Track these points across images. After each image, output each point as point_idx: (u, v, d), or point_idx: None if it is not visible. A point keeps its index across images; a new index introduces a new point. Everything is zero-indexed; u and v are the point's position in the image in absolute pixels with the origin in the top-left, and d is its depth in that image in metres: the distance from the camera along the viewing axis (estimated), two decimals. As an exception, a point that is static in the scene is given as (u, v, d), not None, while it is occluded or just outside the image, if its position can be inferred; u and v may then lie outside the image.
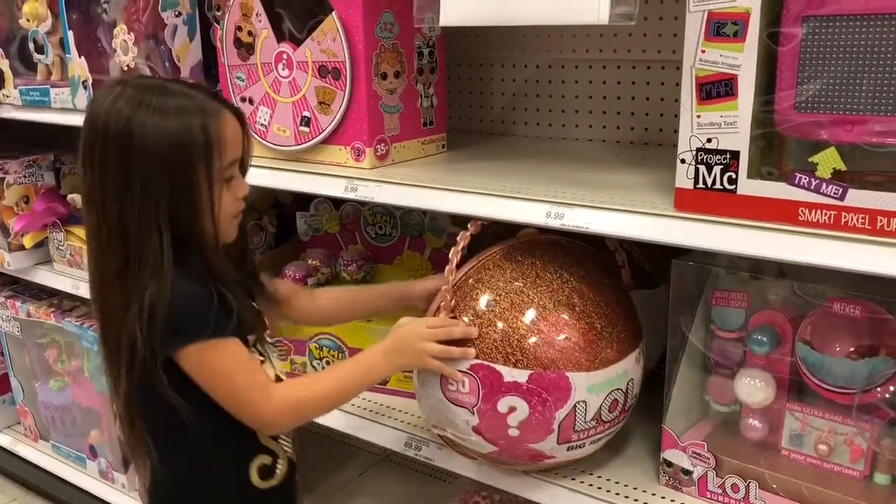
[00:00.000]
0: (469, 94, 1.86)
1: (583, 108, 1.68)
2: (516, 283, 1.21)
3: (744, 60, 0.95)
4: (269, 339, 1.28)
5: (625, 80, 1.61)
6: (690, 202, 1.03)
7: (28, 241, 2.15)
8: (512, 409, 1.16)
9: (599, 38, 1.62)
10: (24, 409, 2.42)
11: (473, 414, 1.19)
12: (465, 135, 1.84)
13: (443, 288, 1.24)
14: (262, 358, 1.22)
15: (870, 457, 1.10)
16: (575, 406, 1.16)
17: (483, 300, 1.21)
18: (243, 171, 1.18)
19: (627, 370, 1.21)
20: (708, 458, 1.19)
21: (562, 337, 1.16)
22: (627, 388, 1.22)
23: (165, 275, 1.06)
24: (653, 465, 1.30)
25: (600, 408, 1.18)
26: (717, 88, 0.97)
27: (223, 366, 1.11)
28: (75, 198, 2.14)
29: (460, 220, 1.32)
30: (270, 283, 1.35)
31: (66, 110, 1.88)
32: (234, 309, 1.11)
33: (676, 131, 1.03)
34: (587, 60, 1.65)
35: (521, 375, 1.15)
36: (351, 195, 1.36)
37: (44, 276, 2.16)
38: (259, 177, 1.47)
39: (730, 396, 1.21)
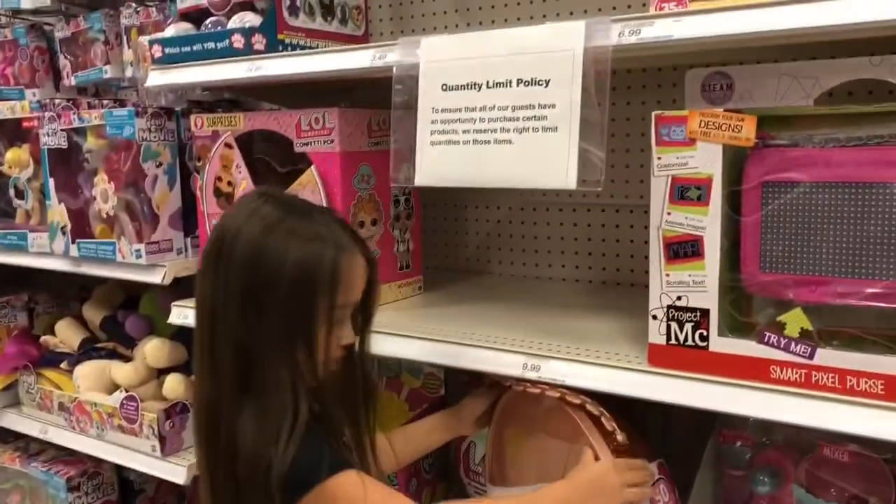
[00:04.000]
0: (445, 234, 1.90)
1: (555, 248, 1.72)
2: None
3: (708, 223, 0.99)
4: None
5: (595, 223, 1.66)
6: (663, 358, 1.05)
7: (-3, 384, 2.11)
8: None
9: (569, 183, 1.67)
10: (-18, 559, 2.30)
11: None
12: (441, 272, 1.87)
13: (608, 425, 1.15)
14: None
15: None
16: None
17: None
18: (365, 323, 1.15)
19: None
20: None
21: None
22: None
23: (291, 427, 1.00)
24: None
25: None
26: (684, 248, 1.01)
27: (359, 495, 1.01)
28: (48, 339, 2.12)
29: (440, 365, 1.32)
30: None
31: (44, 254, 1.88)
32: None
33: (647, 271, 1.06)
34: (558, 203, 1.70)
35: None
36: (328, 344, 1.36)
37: (11, 420, 2.11)
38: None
39: None
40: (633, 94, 1.55)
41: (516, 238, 1.78)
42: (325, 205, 1.40)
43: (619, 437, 1.13)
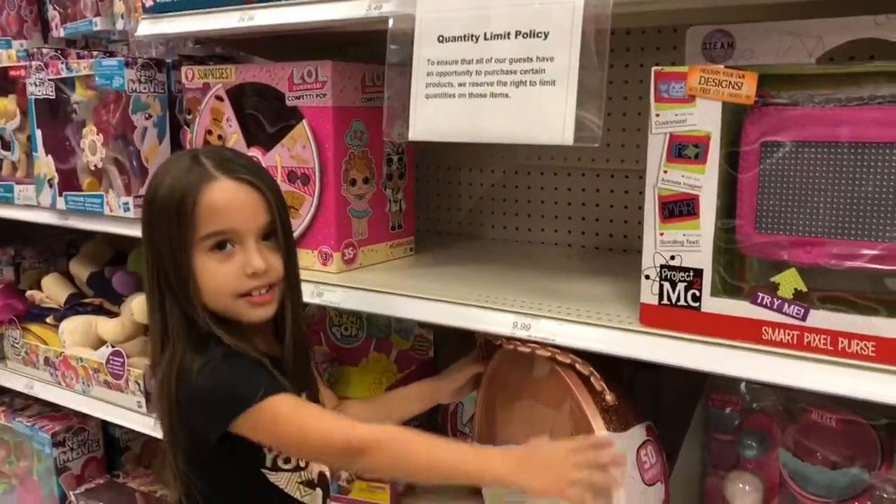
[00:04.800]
0: (437, 197, 1.88)
1: (549, 213, 1.71)
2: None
3: (705, 181, 0.98)
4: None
5: (589, 188, 1.64)
6: (655, 318, 1.04)
7: (-19, 338, 2.10)
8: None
9: (565, 147, 1.65)
10: (-33, 512, 2.30)
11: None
12: (433, 236, 1.85)
13: (597, 385, 1.13)
14: None
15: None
16: None
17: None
18: (284, 250, 1.14)
19: None
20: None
21: None
22: None
23: (184, 352, 1.09)
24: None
25: None
26: (680, 207, 1.00)
27: (294, 416, 1.05)
28: (34, 294, 2.10)
29: (429, 323, 1.31)
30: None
31: (30, 207, 1.86)
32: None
33: (640, 237, 1.05)
34: (553, 167, 1.68)
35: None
36: (316, 300, 1.35)
37: (-4, 374, 2.10)
38: (224, 280, 1.45)
39: (724, 498, 1.21)
40: (631, 56, 1.53)
41: (510, 202, 1.77)
42: (316, 160, 1.38)
43: (609, 397, 1.12)
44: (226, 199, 1.08)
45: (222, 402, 1.06)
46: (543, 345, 1.14)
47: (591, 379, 1.14)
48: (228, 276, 1.09)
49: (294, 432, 1.05)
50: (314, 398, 1.24)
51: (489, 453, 1.08)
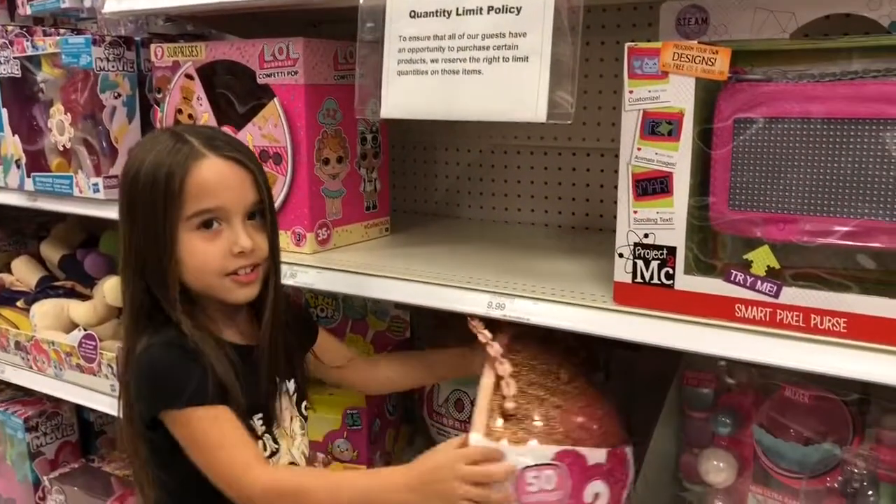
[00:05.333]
0: (413, 176, 1.87)
1: (525, 192, 1.70)
2: (542, 367, 1.16)
3: (678, 159, 0.97)
4: (300, 413, 1.23)
5: (565, 167, 1.64)
6: (629, 296, 1.03)
7: (-48, 322, 2.06)
8: (596, 496, 1.08)
9: (541, 126, 1.64)
10: (-60, 498, 2.27)
11: None
12: (409, 216, 1.84)
13: (502, 381, 1.10)
14: (261, 433, 1.14)
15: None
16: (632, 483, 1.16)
17: (530, 389, 1.12)
18: (270, 230, 1.14)
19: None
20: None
21: (600, 414, 1.15)
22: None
23: (142, 330, 1.10)
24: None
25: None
26: (653, 185, 0.99)
27: (201, 435, 1.05)
28: (4, 277, 2.06)
29: (404, 303, 1.30)
30: (323, 349, 1.33)
31: (-3, 188, 1.83)
32: (211, 376, 1.06)
33: (616, 217, 1.04)
34: (529, 146, 1.67)
35: (601, 456, 1.09)
36: (290, 281, 1.33)
37: (-33, 359, 2.06)
38: (196, 261, 1.43)
39: (698, 475, 1.21)
40: (606, 33, 1.52)
41: (486, 181, 1.76)
42: (288, 139, 1.36)
43: (508, 404, 1.06)
44: (215, 177, 1.08)
45: (148, 391, 1.08)
46: (517, 325, 1.13)
47: (501, 382, 1.09)
48: (216, 255, 1.09)
49: (201, 451, 1.05)
50: (302, 382, 1.24)
51: (390, 480, 1.02)
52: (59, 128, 1.65)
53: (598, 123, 1.56)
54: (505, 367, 1.10)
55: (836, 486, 1.07)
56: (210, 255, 1.08)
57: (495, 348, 1.12)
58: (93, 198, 1.61)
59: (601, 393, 1.21)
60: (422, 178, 1.86)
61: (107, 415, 1.84)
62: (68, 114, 1.63)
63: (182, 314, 1.09)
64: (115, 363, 1.66)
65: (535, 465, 1.03)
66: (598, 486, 1.08)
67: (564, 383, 1.16)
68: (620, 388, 1.38)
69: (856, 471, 1.05)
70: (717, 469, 1.17)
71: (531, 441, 1.04)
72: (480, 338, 1.14)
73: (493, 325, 1.17)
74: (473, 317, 1.17)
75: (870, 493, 1.04)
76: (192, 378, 1.05)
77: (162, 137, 1.11)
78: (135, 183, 1.08)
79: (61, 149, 1.67)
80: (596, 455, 1.08)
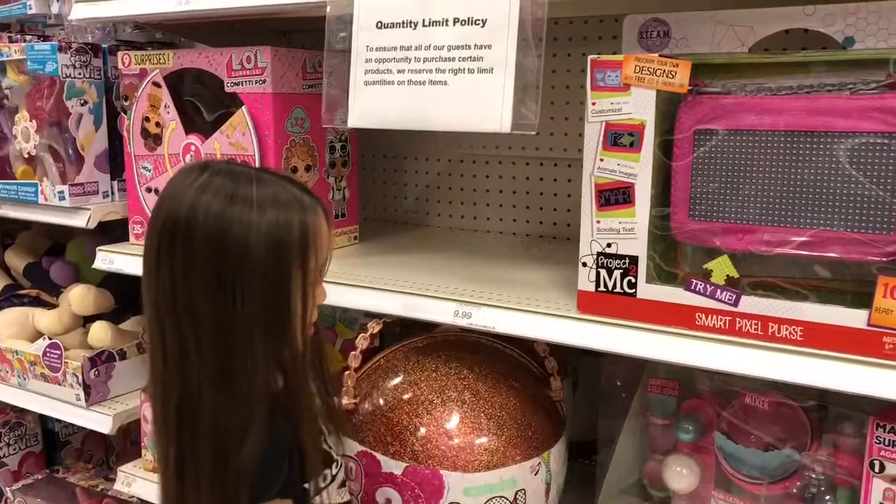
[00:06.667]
0: (384, 185, 1.87)
1: (494, 201, 1.71)
2: (411, 376, 1.21)
3: (640, 170, 0.98)
4: (331, 470, 1.20)
5: (533, 177, 1.65)
6: (592, 305, 1.05)
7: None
8: (388, 502, 1.16)
9: (509, 136, 1.65)
10: None
11: (358, 501, 1.19)
12: (379, 224, 1.85)
13: (345, 373, 1.22)
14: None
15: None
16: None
17: (379, 390, 1.23)
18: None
19: (516, 479, 1.14)
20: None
21: (442, 433, 1.15)
22: (516, 498, 1.15)
23: (260, 416, 0.95)
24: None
25: None
26: (616, 196, 1.00)
27: None
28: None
29: (370, 312, 1.31)
30: None
31: (-39, 196, 1.80)
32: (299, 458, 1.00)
33: (582, 226, 1.05)
34: (497, 156, 1.69)
35: (397, 467, 1.14)
36: (257, 290, 1.33)
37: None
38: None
39: (662, 482, 1.23)
40: (572, 45, 1.54)
41: (455, 191, 1.77)
42: (256, 148, 1.36)
43: (345, 399, 1.21)
44: (325, 228, 1.01)
45: (251, 481, 0.95)
46: (481, 334, 1.14)
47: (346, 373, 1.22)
48: (312, 310, 1.03)
49: None
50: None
51: None
52: (25, 135, 1.64)
53: (565, 134, 1.58)
54: (351, 363, 1.23)
55: (795, 491, 1.09)
56: (311, 311, 1.02)
57: (359, 344, 1.24)
58: (58, 205, 1.60)
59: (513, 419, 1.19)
60: (392, 187, 1.86)
61: (72, 425, 1.82)
62: (34, 121, 1.61)
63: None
64: (80, 372, 1.65)
65: (346, 455, 1.19)
66: (389, 493, 1.16)
67: (445, 401, 1.18)
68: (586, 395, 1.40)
69: (814, 476, 1.07)
70: (680, 475, 1.19)
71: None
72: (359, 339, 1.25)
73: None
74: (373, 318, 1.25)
75: (827, 497, 1.06)
76: (283, 468, 0.99)
77: (240, 182, 0.96)
78: (244, 247, 0.92)
79: (26, 156, 1.65)
80: (391, 465, 1.15)
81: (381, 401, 1.21)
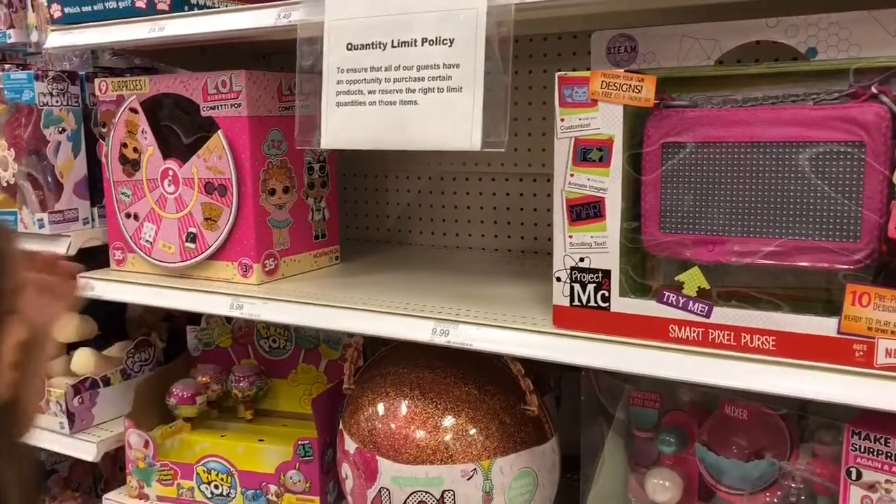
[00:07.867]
0: (365, 204, 1.88)
1: (473, 218, 1.72)
2: (387, 369, 1.33)
3: (610, 184, 0.99)
4: None
5: (513, 192, 1.66)
6: (568, 319, 1.05)
7: None
8: (346, 476, 1.34)
9: (486, 153, 1.66)
10: None
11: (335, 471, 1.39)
12: (360, 244, 1.85)
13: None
14: None
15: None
16: (380, 490, 1.25)
17: (363, 378, 1.38)
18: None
19: (443, 478, 1.21)
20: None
21: (386, 423, 1.26)
22: (443, 498, 1.22)
23: None
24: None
25: (405, 503, 1.24)
26: (587, 210, 1.01)
27: None
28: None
29: (350, 332, 1.31)
30: None
31: (-58, 226, 1.79)
32: None
33: (558, 241, 1.06)
34: (475, 173, 1.70)
35: (351, 447, 1.31)
36: (236, 313, 1.33)
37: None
38: (142, 294, 1.43)
39: (645, 495, 1.22)
40: (547, 62, 1.55)
41: (436, 208, 1.77)
42: (233, 171, 1.36)
43: None
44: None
45: None
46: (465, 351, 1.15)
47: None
48: None
49: None
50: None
51: None
52: (3, 163, 1.64)
53: (542, 150, 1.59)
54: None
55: (776, 500, 1.09)
56: None
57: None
58: (38, 233, 1.60)
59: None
60: (372, 206, 1.87)
61: (57, 454, 1.80)
62: (12, 149, 1.61)
63: None
64: (64, 400, 1.64)
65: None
66: (346, 469, 1.33)
67: (398, 394, 1.28)
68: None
69: (794, 485, 1.07)
70: (663, 488, 1.19)
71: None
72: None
73: None
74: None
75: (808, 506, 1.06)
76: None
77: None
78: None
79: (5, 184, 1.65)
80: (349, 443, 1.31)
81: (359, 389, 1.35)
